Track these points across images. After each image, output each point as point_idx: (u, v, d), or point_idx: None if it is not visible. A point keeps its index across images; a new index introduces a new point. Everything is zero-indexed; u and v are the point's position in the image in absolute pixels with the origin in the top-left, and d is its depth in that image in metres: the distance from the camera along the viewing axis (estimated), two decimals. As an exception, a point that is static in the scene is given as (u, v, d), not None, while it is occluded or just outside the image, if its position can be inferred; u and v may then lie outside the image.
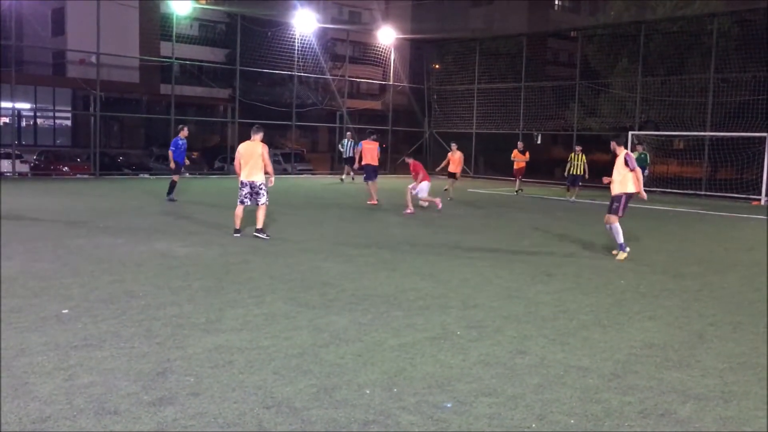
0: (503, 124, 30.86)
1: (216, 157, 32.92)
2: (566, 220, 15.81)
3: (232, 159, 29.19)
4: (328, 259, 9.61)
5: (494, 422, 4.17)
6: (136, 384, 4.56)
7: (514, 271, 9.14)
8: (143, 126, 39.05)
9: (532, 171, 30.12)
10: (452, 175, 20.12)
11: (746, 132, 22.58)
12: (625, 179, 10.49)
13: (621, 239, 10.53)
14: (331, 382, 4.73)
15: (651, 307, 7.35)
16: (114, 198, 17.43)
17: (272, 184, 11.28)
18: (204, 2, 37.20)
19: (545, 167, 31.28)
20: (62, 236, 10.77)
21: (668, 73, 26.18)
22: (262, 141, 11.26)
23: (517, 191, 23.02)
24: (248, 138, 11.30)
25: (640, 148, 22.94)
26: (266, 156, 11.10)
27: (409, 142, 35.15)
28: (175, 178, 16.60)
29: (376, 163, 17.78)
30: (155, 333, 5.74)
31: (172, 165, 16.47)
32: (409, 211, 15.68)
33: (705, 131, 24.48)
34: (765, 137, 22.19)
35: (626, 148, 25.29)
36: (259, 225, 11.25)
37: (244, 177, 11.10)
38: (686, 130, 25.30)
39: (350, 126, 29.55)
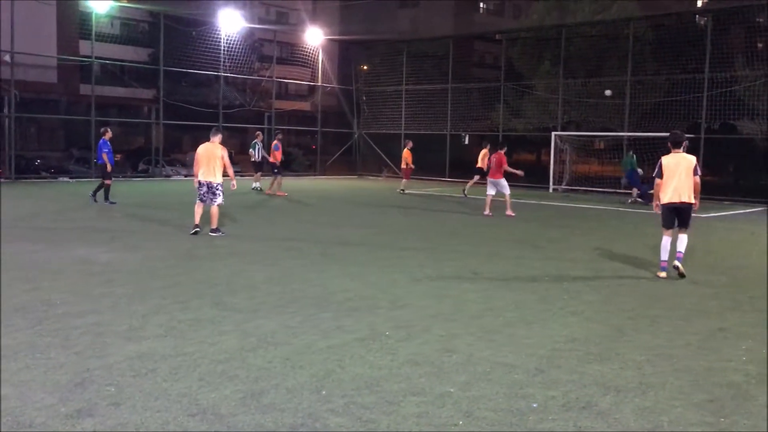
0: (432, 125, 31.20)
1: (140, 160, 32.02)
2: (495, 219, 16.08)
3: (157, 161, 28.74)
4: (256, 261, 9.49)
5: (422, 421, 4.20)
6: (52, 396, 4.38)
7: (443, 270, 9.25)
8: (62, 128, 37.56)
9: (463, 171, 30.57)
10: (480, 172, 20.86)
11: (662, 132, 23.47)
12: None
13: (661, 255, 9.22)
14: (258, 387, 4.66)
15: (574, 302, 7.57)
16: (32, 202, 16.73)
17: (235, 187, 12.05)
18: (125, 0, 36.12)
19: (474, 167, 31.68)
20: (-26, 243, 10.26)
21: (588, 75, 27.04)
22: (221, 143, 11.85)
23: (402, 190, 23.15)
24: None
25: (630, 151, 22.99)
26: (226, 159, 11.70)
27: (339, 143, 35.11)
28: (108, 181, 16.53)
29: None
30: (73, 342, 5.53)
31: (109, 168, 16.40)
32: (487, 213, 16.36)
33: (623, 131, 25.40)
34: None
35: (551, 149, 26.01)
36: (213, 225, 11.73)
37: (201, 177, 11.61)
38: (606, 131, 26.20)
39: (279, 127, 29.20)
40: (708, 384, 5.01)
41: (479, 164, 21.25)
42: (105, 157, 16.20)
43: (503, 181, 16.24)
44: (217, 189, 11.65)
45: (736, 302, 7.80)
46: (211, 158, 11.59)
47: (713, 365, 5.45)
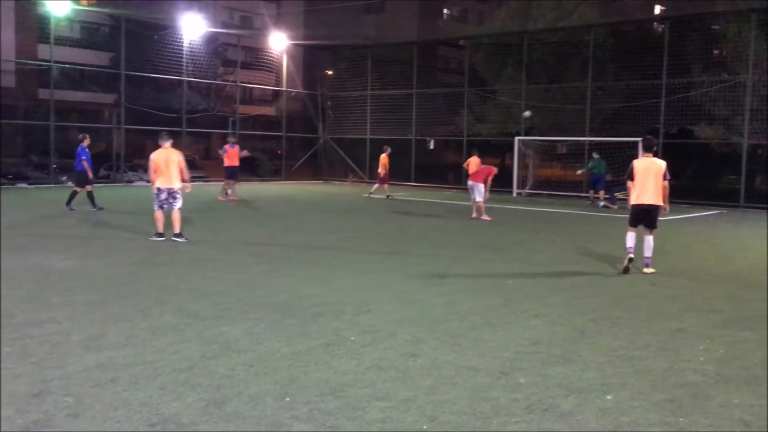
0: (397, 130, 31.26)
1: (101, 165, 31.49)
2: (461, 223, 16.17)
3: (119, 167, 28.29)
4: (221, 267, 9.39)
5: (386, 426, 4.20)
6: (8, 407, 4.28)
7: (408, 275, 9.26)
8: (20, 133, 36.77)
9: (428, 176, 30.73)
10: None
11: (621, 137, 23.89)
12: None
13: (627, 243, 9.95)
14: (221, 395, 4.61)
15: (537, 305, 7.64)
16: (-13, 210, 16.33)
17: (189, 190, 12.01)
18: (85, 3, 35.54)
19: (439, 172, 31.92)
20: (-74, 252, 9.97)
21: (550, 81, 27.38)
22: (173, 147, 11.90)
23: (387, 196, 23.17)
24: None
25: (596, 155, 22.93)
26: (183, 164, 11.67)
27: (305, 148, 34.99)
28: (89, 187, 16.62)
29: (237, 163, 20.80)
30: (31, 352, 5.40)
31: (91, 175, 16.71)
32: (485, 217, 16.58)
33: (584, 136, 25.77)
34: (638, 141, 23.53)
35: (515, 154, 26.25)
36: (177, 229, 11.61)
37: (160, 184, 11.51)
38: (568, 136, 26.55)
39: (244, 132, 29.01)
40: (667, 384, 5.10)
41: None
42: (85, 164, 16.25)
43: (481, 187, 16.59)
44: (177, 194, 11.63)
45: (694, 303, 7.96)
46: (169, 164, 11.50)
47: (672, 366, 5.55)
